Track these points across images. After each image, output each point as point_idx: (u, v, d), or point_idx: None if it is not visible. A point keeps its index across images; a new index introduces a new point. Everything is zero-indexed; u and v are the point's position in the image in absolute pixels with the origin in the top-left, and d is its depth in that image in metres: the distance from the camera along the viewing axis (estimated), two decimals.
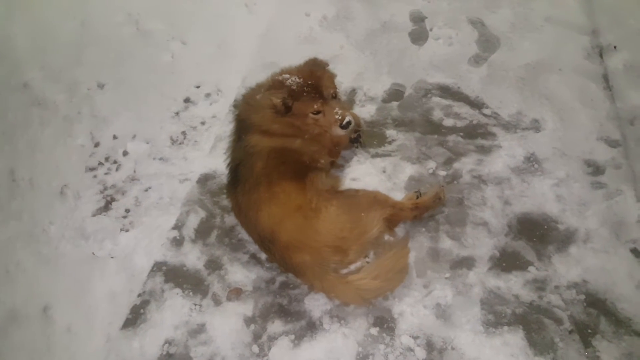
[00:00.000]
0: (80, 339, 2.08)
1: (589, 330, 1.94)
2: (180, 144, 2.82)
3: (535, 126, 2.70)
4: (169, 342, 2.03)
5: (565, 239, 2.21)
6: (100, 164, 2.72)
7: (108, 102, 2.97)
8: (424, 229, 2.28)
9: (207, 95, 3.03)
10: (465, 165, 2.52)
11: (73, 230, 2.39)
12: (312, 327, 2.03)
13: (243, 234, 2.34)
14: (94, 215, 2.45)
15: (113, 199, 2.54)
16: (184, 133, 2.87)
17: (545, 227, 2.27)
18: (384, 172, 2.53)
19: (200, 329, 2.07)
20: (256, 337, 2.03)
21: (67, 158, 2.71)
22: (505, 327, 1.97)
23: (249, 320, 2.07)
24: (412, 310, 2.04)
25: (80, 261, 2.28)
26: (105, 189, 2.62)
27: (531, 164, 2.52)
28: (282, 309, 2.10)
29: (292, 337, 2.01)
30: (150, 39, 3.31)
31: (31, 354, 2.07)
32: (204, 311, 2.11)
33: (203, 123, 2.89)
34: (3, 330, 2.13)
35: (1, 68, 3.13)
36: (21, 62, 3.19)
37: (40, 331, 2.13)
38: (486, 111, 2.79)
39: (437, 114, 2.79)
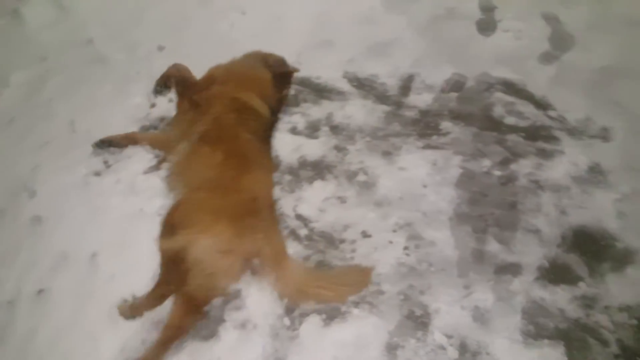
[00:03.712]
0: (123, 288, 2.15)
1: (637, 358, 1.84)
2: None
3: (604, 135, 2.54)
4: None
5: (623, 259, 2.09)
6: (154, 126, 2.78)
7: (166, 65, 3.00)
8: (470, 229, 2.21)
9: None
10: (523, 167, 2.41)
11: (125, 185, 2.46)
12: (344, 311, 2.02)
13: (284, 208, 2.35)
14: (145, 173, 2.51)
15: (164, 160, 2.59)
16: None
17: (602, 243, 2.15)
18: (434, 164, 2.45)
19: (236, 294, 2.09)
20: (289, 310, 2.04)
21: (123, 115, 2.77)
22: (546, 341, 1.90)
23: None
24: (448, 309, 1.99)
25: (129, 215, 2.34)
26: None
27: (594, 175, 2.37)
28: None
29: (324, 316, 2.01)
30: (211, 7, 3.30)
31: (76, 295, 2.16)
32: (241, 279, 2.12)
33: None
34: (54, 269, 2.25)
35: (69, 22, 3.24)
36: (87, 18, 3.28)
37: (86, 275, 2.22)
38: (552, 113, 2.64)
39: (498, 110, 2.67)
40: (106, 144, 2.58)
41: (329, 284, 2.01)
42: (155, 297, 2.01)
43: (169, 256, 1.99)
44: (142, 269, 2.21)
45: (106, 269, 2.21)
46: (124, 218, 2.35)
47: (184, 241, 1.94)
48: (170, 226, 2.01)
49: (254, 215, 2.05)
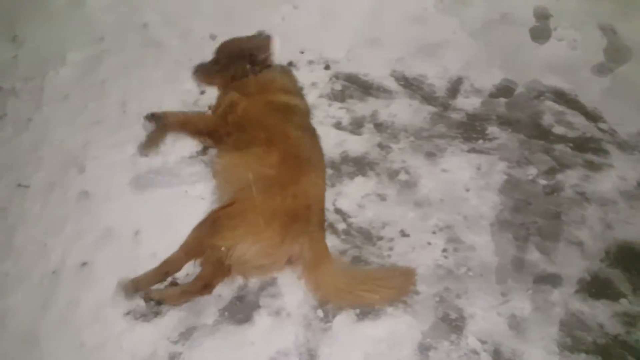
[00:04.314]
0: None
1: None
2: None
3: None
4: (241, 288, 2.13)
5: None
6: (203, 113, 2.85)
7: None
8: (511, 236, 2.19)
9: (310, 62, 3.03)
10: (570, 178, 2.37)
11: (170, 167, 2.54)
12: (378, 308, 2.03)
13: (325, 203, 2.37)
14: (191, 157, 2.59)
15: (211, 147, 2.66)
16: None
17: None
18: (479, 169, 2.44)
19: (272, 282, 2.15)
20: (323, 302, 2.07)
21: (173, 100, 2.85)
22: (583, 355, 1.87)
23: None
24: (484, 315, 1.99)
25: (173, 196, 2.42)
26: None
27: None
28: None
29: (357, 311, 2.04)
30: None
31: (118, 270, 2.23)
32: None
33: (301, 89, 2.91)
34: (98, 243, 2.34)
35: (126, 6, 3.34)
36: (143, 3, 3.36)
37: (129, 251, 2.30)
38: (602, 125, 2.58)
39: (547, 119, 2.63)
40: (155, 119, 2.62)
41: (373, 287, 2.00)
42: (160, 273, 2.11)
43: (212, 247, 2.05)
44: None
45: (148, 247, 2.28)
46: (168, 199, 2.42)
47: (233, 241, 2.01)
48: (222, 222, 2.05)
49: (305, 222, 2.07)
